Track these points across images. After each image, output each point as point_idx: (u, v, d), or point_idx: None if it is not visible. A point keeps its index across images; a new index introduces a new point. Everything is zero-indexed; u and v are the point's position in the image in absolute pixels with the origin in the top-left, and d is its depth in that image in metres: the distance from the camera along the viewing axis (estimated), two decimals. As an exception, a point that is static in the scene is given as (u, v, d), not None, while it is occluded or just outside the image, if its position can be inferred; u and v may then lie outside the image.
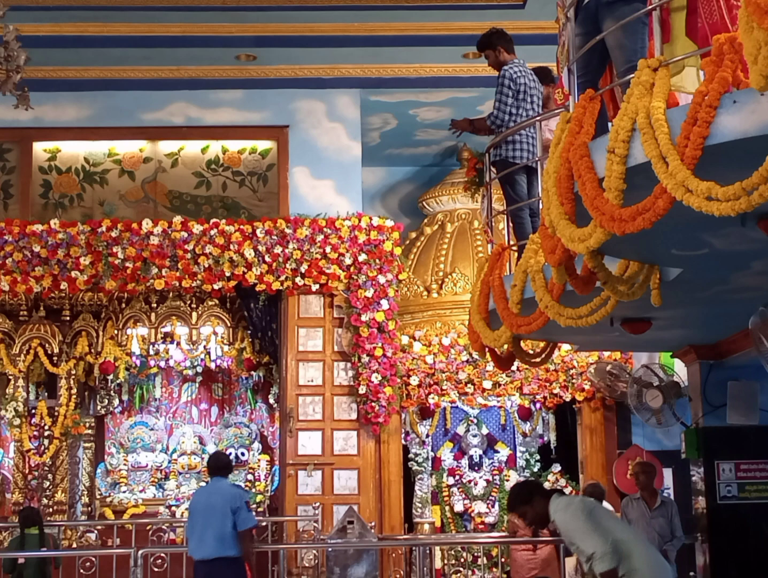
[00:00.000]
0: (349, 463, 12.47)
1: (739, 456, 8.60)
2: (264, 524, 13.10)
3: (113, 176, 13.08)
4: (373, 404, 12.38)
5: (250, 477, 14.54)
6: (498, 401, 13.14)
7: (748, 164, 3.73)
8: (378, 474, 12.52)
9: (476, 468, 13.24)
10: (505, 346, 7.74)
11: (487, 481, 13.14)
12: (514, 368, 11.22)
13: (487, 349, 7.95)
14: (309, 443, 12.47)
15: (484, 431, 13.37)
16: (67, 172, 13.06)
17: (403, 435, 12.94)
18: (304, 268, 12.44)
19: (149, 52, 12.25)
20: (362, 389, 12.40)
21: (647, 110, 4.17)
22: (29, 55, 8.76)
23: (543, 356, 8.48)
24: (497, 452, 13.34)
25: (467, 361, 12.79)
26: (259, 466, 14.56)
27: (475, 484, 13.12)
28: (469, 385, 12.85)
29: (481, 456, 13.28)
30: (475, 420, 13.33)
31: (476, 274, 7.90)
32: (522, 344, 8.18)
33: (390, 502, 12.52)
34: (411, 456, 13.11)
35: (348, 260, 12.54)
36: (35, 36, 10.79)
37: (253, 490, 14.40)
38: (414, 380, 12.79)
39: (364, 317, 12.44)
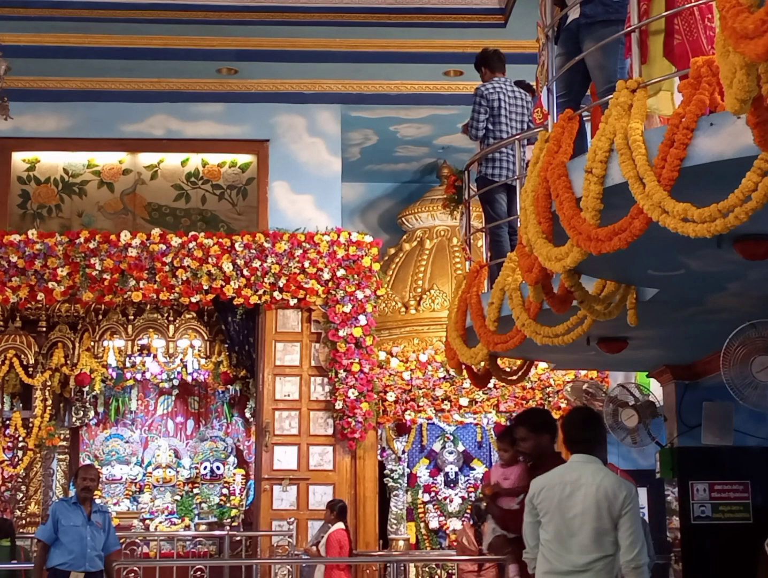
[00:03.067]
0: (325, 478, 12.44)
1: (713, 476, 8.57)
2: (238, 538, 13.06)
3: (92, 187, 13.04)
4: (350, 419, 12.36)
5: (225, 491, 14.48)
6: (474, 419, 13.13)
7: (724, 185, 3.74)
8: (353, 489, 12.49)
9: (452, 485, 13.21)
10: (482, 363, 7.73)
11: (463, 498, 13.12)
12: (490, 385, 11.23)
13: (463, 366, 7.94)
14: (285, 457, 12.42)
15: (461, 448, 13.35)
16: (46, 182, 13.02)
17: (379, 451, 12.91)
18: (282, 282, 12.42)
19: (130, 63, 12.23)
20: (339, 405, 12.37)
21: (625, 131, 4.18)
22: (9, 64, 8.75)
23: (519, 373, 8.47)
24: (473, 469, 13.31)
25: (444, 378, 12.78)
26: (234, 480, 14.51)
27: (451, 501, 13.09)
28: (445, 402, 12.85)
29: (456, 473, 13.25)
30: (452, 437, 13.31)
31: (454, 291, 7.90)
32: (499, 361, 8.18)
33: (365, 518, 12.48)
34: (387, 472, 13.07)
35: (326, 275, 12.53)
36: (16, 46, 10.78)
37: (228, 504, 14.35)
38: (391, 396, 12.77)
39: (341, 333, 12.42)
